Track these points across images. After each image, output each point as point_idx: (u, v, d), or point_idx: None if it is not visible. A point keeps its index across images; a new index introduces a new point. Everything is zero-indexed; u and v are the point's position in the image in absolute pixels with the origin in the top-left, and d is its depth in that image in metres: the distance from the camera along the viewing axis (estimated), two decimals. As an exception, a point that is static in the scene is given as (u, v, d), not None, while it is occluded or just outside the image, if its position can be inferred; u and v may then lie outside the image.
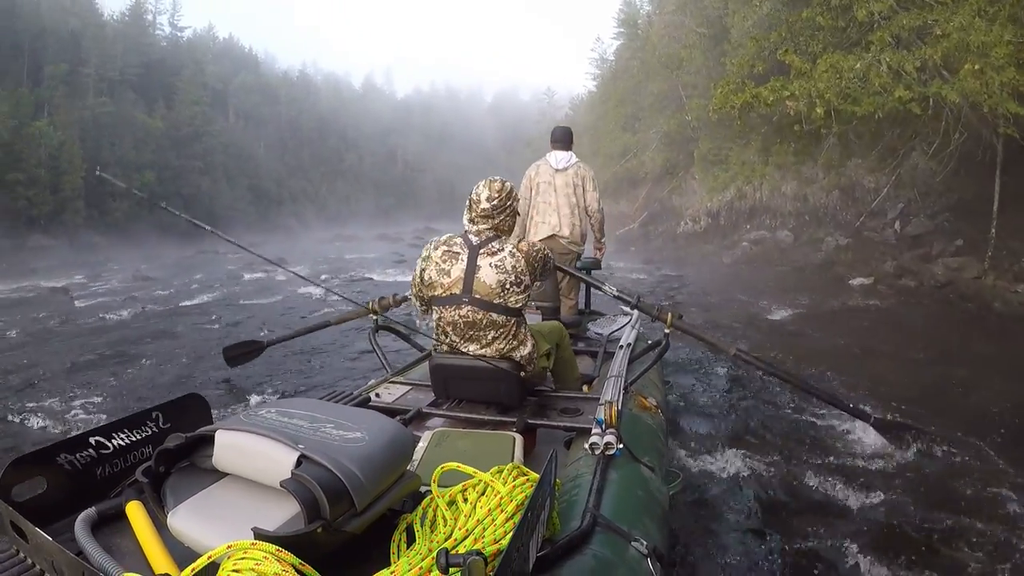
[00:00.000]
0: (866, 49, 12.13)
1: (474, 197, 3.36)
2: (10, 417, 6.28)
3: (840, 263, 15.31)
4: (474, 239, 3.30)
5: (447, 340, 3.39)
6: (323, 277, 20.21)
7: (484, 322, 3.25)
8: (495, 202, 3.29)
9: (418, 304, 3.58)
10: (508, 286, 3.21)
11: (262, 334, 8.95)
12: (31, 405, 6.61)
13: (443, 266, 3.28)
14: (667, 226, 27.35)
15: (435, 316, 3.43)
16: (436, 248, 3.36)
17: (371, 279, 19.45)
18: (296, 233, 58.27)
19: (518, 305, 3.30)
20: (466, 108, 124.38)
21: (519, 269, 3.23)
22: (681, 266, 19.97)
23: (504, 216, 3.33)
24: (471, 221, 3.35)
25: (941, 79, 11.10)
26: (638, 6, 40.66)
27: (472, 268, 3.22)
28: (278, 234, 55.47)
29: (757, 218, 21.43)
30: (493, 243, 3.27)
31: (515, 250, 3.28)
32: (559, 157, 6.08)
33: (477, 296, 3.22)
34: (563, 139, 6.16)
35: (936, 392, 6.59)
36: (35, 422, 6.15)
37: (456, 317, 3.27)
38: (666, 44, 28.68)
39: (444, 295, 3.29)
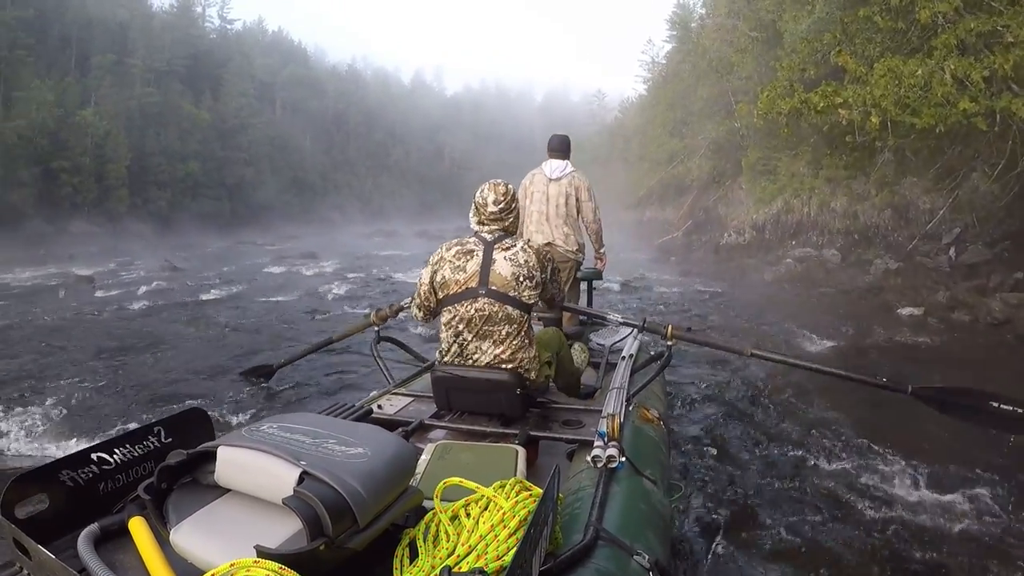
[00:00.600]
0: (928, 55, 11.23)
1: (480, 201, 3.54)
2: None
3: (889, 289, 14.42)
4: (488, 236, 3.47)
5: (458, 340, 3.47)
6: (350, 275, 20.77)
7: (500, 315, 3.37)
8: (502, 205, 3.50)
9: (419, 313, 3.68)
10: (522, 279, 3.35)
11: (268, 353, 8.91)
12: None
13: (458, 263, 3.43)
14: (710, 236, 26.34)
15: (445, 318, 3.53)
16: (449, 249, 3.51)
17: (394, 278, 19.97)
18: (338, 226, 59.73)
19: (531, 301, 3.43)
20: (516, 107, 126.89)
21: (531, 264, 3.38)
22: (719, 281, 19.15)
23: (512, 218, 3.53)
24: (480, 223, 3.52)
25: (1011, 92, 10.37)
26: (691, 8, 40.64)
27: (488, 261, 3.38)
28: (319, 227, 57.14)
29: (804, 234, 20.62)
30: (506, 240, 3.45)
31: (527, 246, 3.45)
32: (554, 166, 6.12)
33: (494, 288, 3.35)
34: (560, 148, 6.22)
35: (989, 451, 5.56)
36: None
37: (472, 311, 3.39)
38: (717, 48, 28.44)
39: (459, 291, 3.42)
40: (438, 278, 3.51)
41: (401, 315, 5.18)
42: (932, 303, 12.68)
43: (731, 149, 27.47)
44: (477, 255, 3.46)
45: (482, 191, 3.63)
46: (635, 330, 4.70)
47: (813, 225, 20.41)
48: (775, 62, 19.16)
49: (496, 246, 3.47)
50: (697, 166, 30.90)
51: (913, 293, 13.60)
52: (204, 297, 15.62)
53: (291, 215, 62.63)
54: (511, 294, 3.38)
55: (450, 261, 3.50)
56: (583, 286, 6.69)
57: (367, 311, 4.76)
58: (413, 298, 3.74)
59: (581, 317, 6.23)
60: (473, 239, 3.55)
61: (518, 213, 3.63)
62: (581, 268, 6.33)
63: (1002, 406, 3.35)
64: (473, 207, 3.63)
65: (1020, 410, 3.27)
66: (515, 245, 3.48)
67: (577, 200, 6.11)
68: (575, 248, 6.19)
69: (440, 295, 3.54)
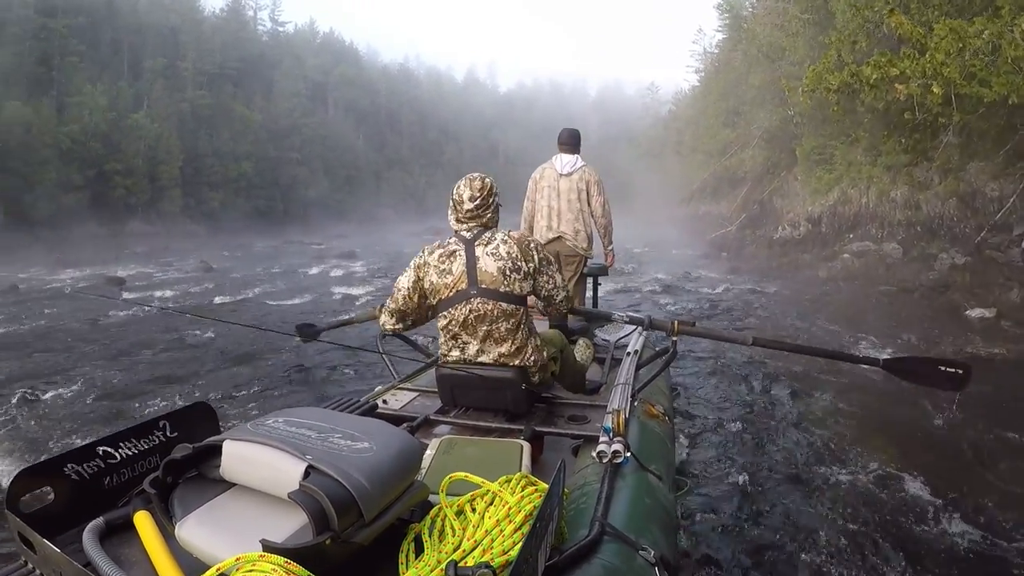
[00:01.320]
0: (995, 15, 10.33)
1: (456, 198, 3.57)
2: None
3: (956, 287, 13.44)
4: (467, 234, 3.51)
5: (457, 344, 3.55)
6: (380, 276, 21.71)
7: (495, 312, 3.43)
8: (478, 201, 3.52)
9: (389, 320, 3.74)
10: (508, 272, 3.40)
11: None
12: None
13: (443, 267, 3.48)
14: (764, 230, 25.92)
15: (441, 323, 3.58)
16: (431, 253, 3.54)
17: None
18: (391, 224, 61.03)
19: (524, 293, 3.49)
20: (569, 103, 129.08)
21: (514, 255, 3.43)
22: (771, 279, 18.59)
23: (489, 213, 3.56)
24: (458, 221, 3.56)
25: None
26: (742, -8, 41.84)
27: (472, 260, 3.43)
28: (371, 225, 58.46)
29: (862, 227, 19.88)
30: (485, 234, 3.49)
31: (507, 237, 3.49)
32: (565, 161, 6.33)
33: (484, 286, 3.41)
34: (570, 142, 6.41)
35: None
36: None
37: (467, 313, 3.44)
38: (768, 33, 28.02)
39: (451, 294, 3.47)
40: (425, 284, 3.56)
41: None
42: (1005, 303, 11.96)
43: (785, 138, 27.11)
44: (460, 255, 3.49)
45: (458, 187, 3.65)
46: (646, 329, 4.78)
47: (872, 217, 19.77)
48: (825, 37, 18.40)
49: (476, 243, 3.50)
50: (750, 157, 30.82)
51: (983, 292, 12.86)
52: (218, 300, 16.13)
53: (344, 214, 64.84)
54: (502, 289, 3.42)
55: (435, 266, 3.53)
56: (589, 281, 6.81)
57: (375, 307, 4.92)
58: (385, 304, 3.80)
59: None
60: (453, 239, 3.58)
61: (496, 207, 3.64)
62: (587, 264, 6.48)
63: (947, 369, 3.77)
64: (450, 204, 3.62)
65: (960, 371, 3.71)
66: (495, 238, 3.52)
67: (588, 194, 6.26)
68: (585, 244, 6.34)
69: (432, 301, 3.59)
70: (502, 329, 3.49)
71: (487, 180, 3.65)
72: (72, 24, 49.63)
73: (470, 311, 3.46)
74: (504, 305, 3.45)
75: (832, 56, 13.44)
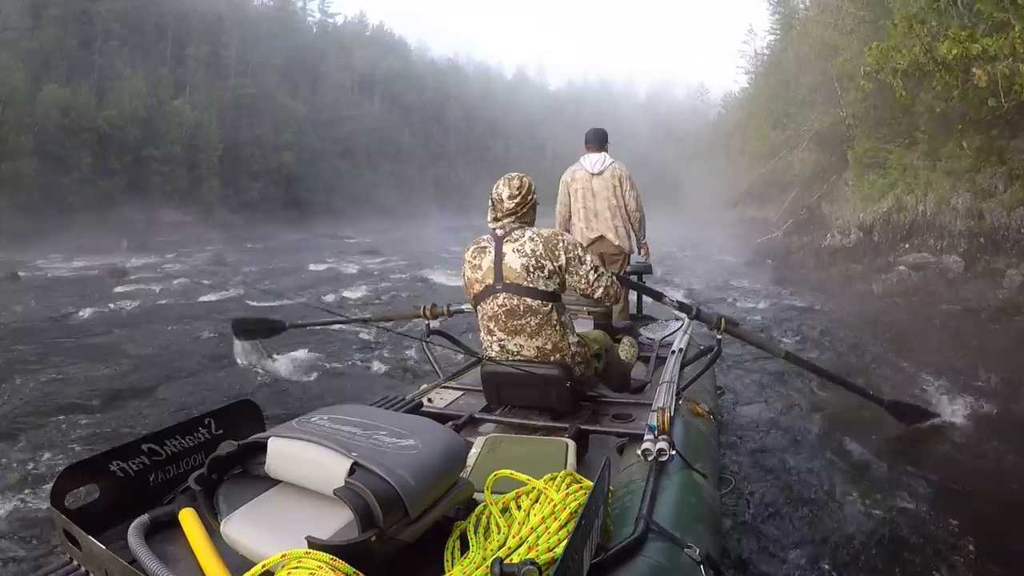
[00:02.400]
0: None
1: (495, 196, 3.76)
2: None
3: None
4: (499, 232, 3.70)
5: (494, 339, 3.73)
6: (395, 274, 21.71)
7: (521, 308, 3.60)
8: (516, 200, 3.73)
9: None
10: (532, 269, 3.56)
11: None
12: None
13: (475, 262, 3.76)
14: (812, 237, 24.69)
15: (478, 316, 3.80)
16: (468, 249, 3.84)
17: (433, 280, 20.26)
18: (433, 220, 61.32)
19: (550, 289, 3.61)
20: (619, 102, 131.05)
21: (539, 253, 3.57)
22: (819, 292, 16.91)
23: (526, 209, 3.75)
24: (495, 219, 3.74)
25: None
26: (794, -10, 40.30)
27: (499, 256, 3.63)
28: (412, 221, 58.76)
29: (918, 236, 18.29)
30: (515, 232, 3.66)
31: (534, 235, 3.64)
32: (593, 160, 6.56)
33: (508, 281, 3.59)
34: (596, 140, 6.65)
35: None
36: None
37: (495, 308, 3.65)
38: (821, 31, 27.81)
39: (481, 289, 3.69)
40: (464, 279, 3.83)
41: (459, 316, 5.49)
42: (1089, 330, 10.50)
43: (836, 141, 26.22)
44: (489, 251, 3.72)
45: (497, 186, 3.83)
46: (684, 323, 5.03)
47: (929, 226, 18.23)
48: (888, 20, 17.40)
49: (506, 239, 3.69)
50: (799, 160, 30.64)
51: (1062, 315, 11.32)
52: (205, 297, 15.65)
53: (387, 208, 65.85)
54: (526, 284, 3.58)
55: (469, 261, 3.81)
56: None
57: (421, 307, 5.14)
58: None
59: (631, 311, 6.63)
60: (487, 236, 3.80)
61: (534, 205, 3.82)
62: (630, 262, 6.71)
63: (929, 411, 4.95)
64: (489, 203, 3.81)
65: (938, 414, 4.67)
66: (524, 235, 3.67)
67: (621, 189, 6.48)
68: (626, 240, 6.56)
69: (468, 295, 3.83)
70: (532, 324, 3.63)
71: (525, 179, 3.84)
72: (114, 8, 51.62)
73: (498, 306, 3.65)
74: (529, 300, 3.60)
75: (900, 30, 12.90)
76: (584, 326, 4.10)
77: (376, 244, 33.52)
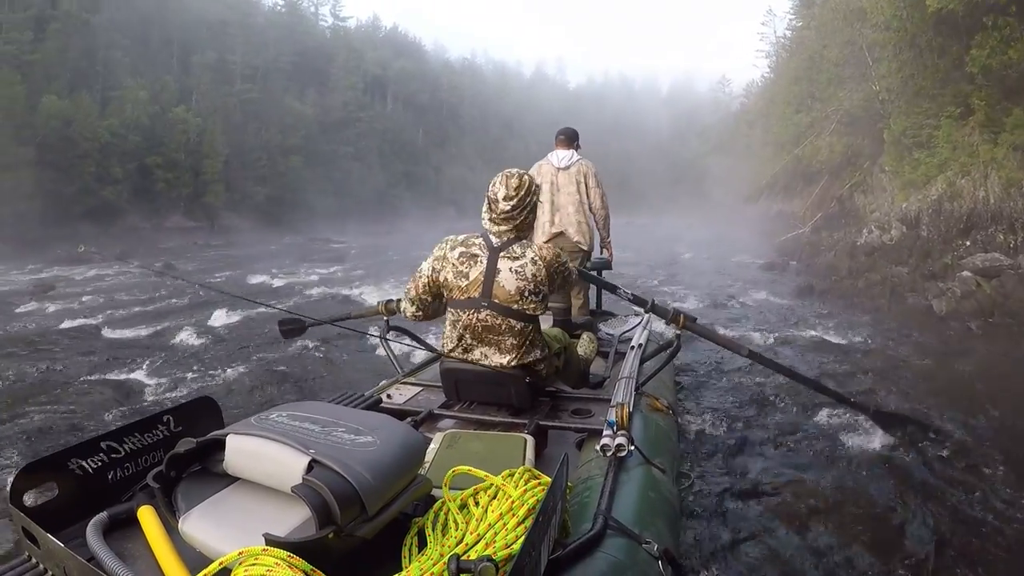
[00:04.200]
0: None
1: (491, 195, 3.81)
2: None
3: None
4: (495, 240, 3.75)
5: (462, 343, 3.82)
6: (372, 280, 22.06)
7: (503, 327, 3.68)
8: (514, 201, 3.78)
9: (411, 308, 4.05)
10: (527, 294, 3.64)
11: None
12: None
13: (461, 268, 3.75)
14: (844, 233, 22.94)
15: (449, 317, 3.85)
16: (452, 249, 3.82)
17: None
18: (450, 220, 63.30)
19: (536, 313, 3.72)
20: (640, 98, 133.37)
21: (539, 279, 3.67)
22: (856, 310, 14.18)
23: (525, 214, 3.79)
24: (491, 221, 3.79)
25: None
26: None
27: (492, 271, 3.68)
28: (429, 222, 59.58)
29: (981, 229, 15.57)
30: (514, 247, 3.72)
31: (537, 258, 3.70)
32: (561, 155, 6.89)
33: (496, 301, 3.66)
34: (566, 137, 6.99)
35: None
36: None
37: (474, 320, 3.71)
38: None
39: (462, 298, 3.74)
40: (441, 278, 3.85)
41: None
42: None
43: (869, 120, 26.03)
44: (480, 262, 3.75)
45: (494, 183, 3.87)
46: (644, 319, 5.44)
47: (995, 216, 15.65)
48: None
49: (502, 254, 3.74)
50: (827, 145, 29.72)
51: None
52: (152, 305, 16.25)
53: (400, 210, 68.38)
54: (515, 307, 3.68)
55: (453, 264, 3.80)
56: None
57: (376, 302, 5.44)
58: (407, 291, 4.08)
59: (590, 307, 6.95)
60: (480, 241, 3.82)
61: (534, 207, 3.89)
62: (591, 258, 6.97)
63: (924, 422, 4.97)
64: (485, 201, 3.86)
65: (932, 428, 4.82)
66: (524, 255, 3.73)
67: (586, 186, 6.79)
68: (587, 237, 6.83)
69: (445, 294, 3.88)
70: (507, 343, 3.76)
71: (525, 178, 3.88)
72: (117, 19, 54.20)
73: (478, 319, 3.74)
74: (513, 322, 3.71)
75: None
76: (544, 322, 4.21)
77: (380, 245, 34.89)
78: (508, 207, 3.78)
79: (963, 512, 5.08)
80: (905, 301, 14.41)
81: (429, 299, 4.04)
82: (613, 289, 5.28)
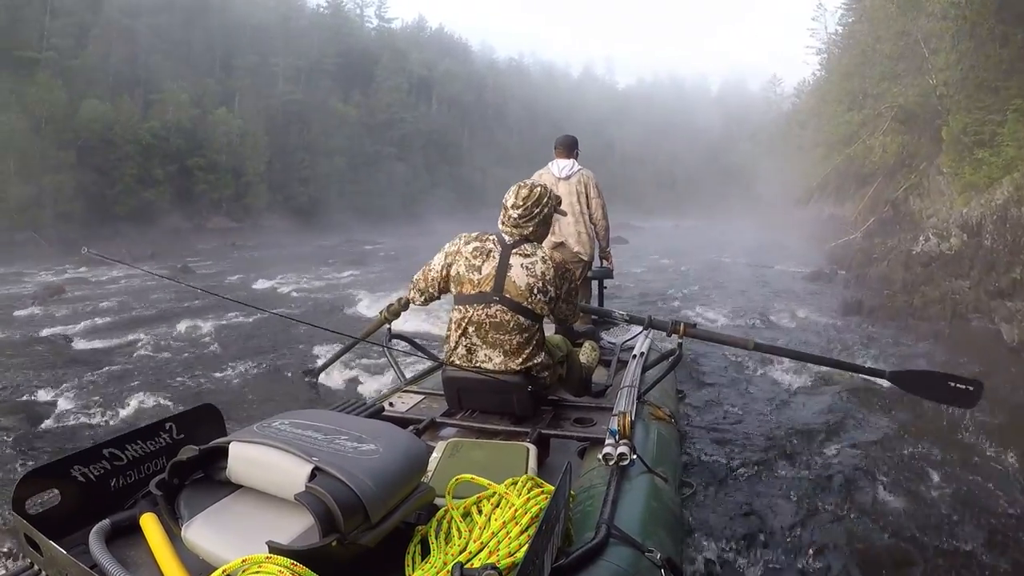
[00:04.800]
0: None
1: (504, 202, 3.99)
2: None
3: None
4: (507, 238, 3.89)
5: (464, 343, 3.92)
6: (385, 285, 21.28)
7: (511, 324, 3.78)
8: (520, 210, 3.98)
9: (417, 296, 4.23)
10: (535, 292, 3.75)
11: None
12: None
13: (474, 262, 3.90)
14: (899, 240, 21.43)
15: (455, 316, 3.94)
16: (467, 244, 3.99)
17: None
18: (493, 223, 63.13)
19: (543, 313, 3.81)
20: (691, 98, 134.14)
21: (548, 277, 3.79)
22: (911, 335, 12.76)
23: (535, 224, 3.95)
24: (503, 224, 3.96)
25: None
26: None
27: (504, 267, 3.82)
28: (472, 223, 59.71)
29: None
30: (526, 245, 3.88)
31: (547, 257, 3.85)
32: (561, 165, 6.96)
33: (508, 296, 3.77)
34: (565, 146, 7.04)
35: None
36: None
37: (483, 316, 3.82)
38: None
39: (473, 292, 3.86)
40: (452, 272, 3.97)
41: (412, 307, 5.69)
42: None
43: (925, 117, 24.74)
44: (494, 257, 3.90)
45: (509, 192, 4.08)
46: (645, 328, 5.29)
47: None
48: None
49: (515, 251, 3.91)
50: (880, 144, 28.30)
51: None
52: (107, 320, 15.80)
53: (447, 211, 68.00)
54: (524, 304, 3.78)
55: (466, 258, 3.96)
56: (594, 285, 7.49)
57: (380, 312, 5.56)
58: (415, 280, 4.24)
59: (593, 316, 6.90)
60: (493, 237, 4.00)
61: (545, 220, 4.05)
62: (592, 268, 7.08)
63: (958, 385, 4.31)
64: (502, 206, 4.07)
65: (971, 388, 4.24)
66: (535, 253, 3.90)
67: (586, 197, 6.87)
68: (587, 247, 6.94)
69: (453, 289, 3.98)
70: (514, 342, 3.85)
71: (536, 189, 4.05)
72: (158, 24, 56.12)
73: (487, 315, 3.83)
74: (521, 319, 3.81)
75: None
76: (546, 330, 4.29)
77: (412, 247, 34.79)
78: (516, 215, 3.99)
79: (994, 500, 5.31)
80: (968, 324, 12.91)
81: (435, 292, 4.22)
82: (608, 314, 5.46)
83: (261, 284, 22.70)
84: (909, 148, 26.56)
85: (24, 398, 8.96)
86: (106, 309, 16.36)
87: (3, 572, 2.43)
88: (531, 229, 4.01)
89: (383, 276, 24.91)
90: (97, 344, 12.23)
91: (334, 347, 9.02)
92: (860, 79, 32.47)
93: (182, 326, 13.52)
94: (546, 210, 4.03)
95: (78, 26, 49.59)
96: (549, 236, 6.40)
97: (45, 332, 13.39)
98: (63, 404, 8.63)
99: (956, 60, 19.27)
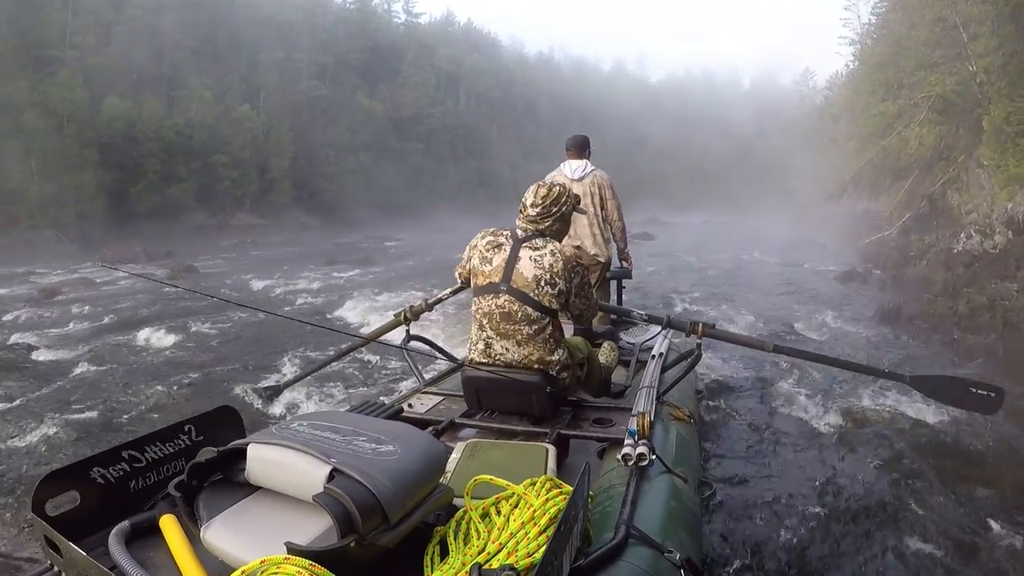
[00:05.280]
0: None
1: (523, 200, 4.12)
2: None
3: None
4: (520, 233, 4.01)
5: (483, 336, 4.03)
6: (390, 290, 21.01)
7: (519, 315, 3.89)
8: (539, 208, 4.11)
9: (457, 278, 4.46)
10: (542, 284, 3.85)
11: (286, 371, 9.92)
12: None
13: (487, 255, 4.08)
14: (937, 237, 20.61)
15: (472, 308, 4.08)
16: (483, 238, 4.17)
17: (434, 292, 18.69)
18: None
19: (552, 306, 3.90)
20: (723, 92, 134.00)
21: (555, 270, 3.86)
22: (954, 350, 11.06)
23: (551, 221, 4.06)
24: (519, 220, 4.10)
25: None
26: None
27: (513, 258, 3.95)
28: (501, 219, 59.62)
29: None
30: (537, 240, 4.00)
31: (556, 251, 3.93)
32: (574, 166, 6.96)
33: (515, 286, 3.88)
34: (577, 147, 7.05)
35: None
36: None
37: (493, 307, 3.95)
38: None
39: (484, 283, 3.99)
40: (470, 265, 4.15)
41: (436, 309, 6.03)
42: None
43: (965, 107, 23.11)
44: (504, 250, 4.05)
45: (528, 190, 4.24)
46: (664, 328, 5.38)
47: None
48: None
49: (525, 244, 4.03)
50: (916, 136, 26.32)
51: None
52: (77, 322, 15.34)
53: (473, 207, 68.26)
54: (531, 295, 3.88)
55: (480, 251, 4.13)
56: (612, 286, 7.53)
57: (400, 312, 5.61)
58: (459, 274, 4.45)
59: (612, 316, 6.93)
60: (507, 232, 4.14)
61: (563, 218, 4.17)
62: (610, 268, 7.11)
63: (979, 391, 4.39)
64: (521, 204, 4.20)
65: (992, 394, 4.31)
66: (545, 247, 4.00)
67: (601, 198, 6.87)
68: (605, 249, 6.95)
69: (471, 283, 4.15)
70: (524, 332, 3.94)
71: (555, 190, 4.19)
72: (183, 21, 56.14)
73: (496, 306, 3.96)
74: (530, 310, 3.90)
75: None
76: (565, 330, 4.35)
77: (428, 243, 35.17)
78: (534, 213, 4.14)
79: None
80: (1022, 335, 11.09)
81: (464, 284, 4.49)
82: (627, 313, 5.51)
83: (260, 284, 22.66)
84: (947, 139, 24.90)
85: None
86: (89, 314, 16.15)
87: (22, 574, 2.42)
88: (547, 224, 4.14)
89: (382, 278, 23.88)
90: (54, 355, 11.76)
91: (358, 348, 9.06)
92: (895, 69, 30.65)
93: (146, 333, 13.33)
94: (564, 209, 4.16)
95: (101, 24, 50.01)
96: (566, 239, 6.48)
97: (13, 339, 13.01)
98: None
99: (997, 45, 18.41)
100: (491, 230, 4.22)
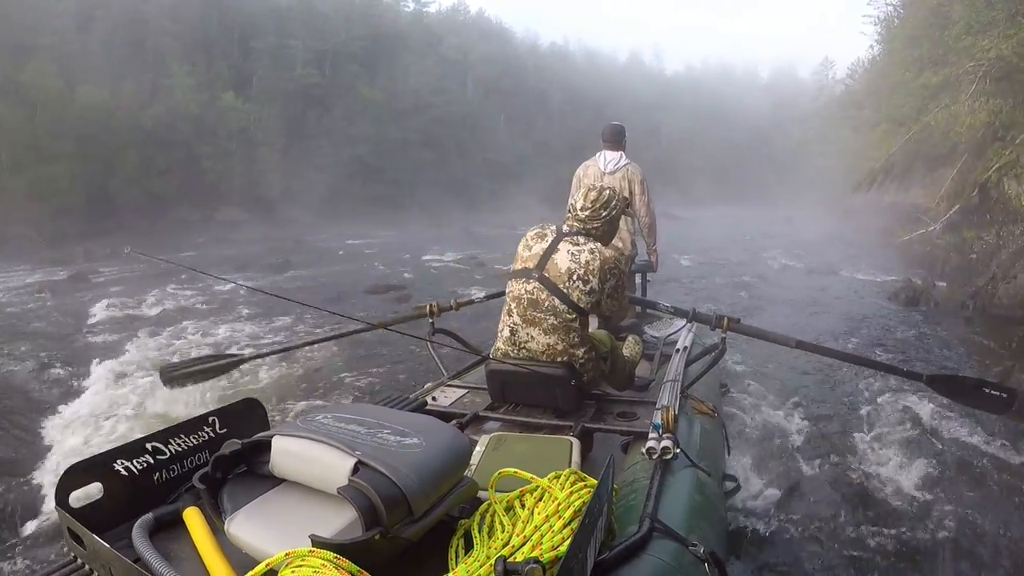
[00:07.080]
0: None
1: (571, 202, 4.39)
2: None
3: None
4: (565, 228, 4.25)
5: (510, 322, 4.20)
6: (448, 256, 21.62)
7: (546, 304, 4.07)
8: (588, 212, 4.43)
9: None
10: (574, 278, 4.03)
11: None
12: None
13: (530, 243, 4.37)
14: (995, 232, 17.87)
15: (506, 292, 4.28)
16: (532, 229, 4.46)
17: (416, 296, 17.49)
18: (533, 211, 61.68)
19: (580, 303, 4.06)
20: (740, 84, 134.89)
21: (591, 267, 4.05)
22: None
23: (599, 224, 4.32)
24: (567, 220, 4.36)
25: None
26: None
27: (552, 249, 4.23)
28: (508, 213, 58.80)
29: None
30: (580, 237, 4.19)
31: (596, 250, 4.13)
32: (608, 158, 7.22)
33: (546, 275, 4.08)
34: (613, 138, 7.29)
35: None
36: None
37: (523, 292, 4.15)
38: None
39: (519, 268, 4.20)
40: (516, 253, 4.28)
41: (463, 309, 6.21)
42: None
43: None
44: (546, 240, 4.31)
45: (577, 194, 4.56)
46: (689, 322, 5.61)
47: None
48: None
49: (567, 238, 4.29)
50: (963, 113, 20.34)
51: None
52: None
53: (479, 200, 69.40)
54: (561, 288, 4.05)
55: (526, 241, 4.39)
56: (637, 278, 7.80)
57: (427, 305, 5.73)
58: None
59: (636, 309, 7.08)
60: (554, 227, 4.42)
61: (612, 221, 4.43)
62: (635, 261, 7.33)
63: (992, 392, 4.55)
64: (569, 207, 4.51)
65: (1004, 395, 4.47)
66: (585, 244, 4.24)
67: (631, 193, 7.06)
68: (630, 243, 7.18)
69: (512, 268, 4.28)
70: (549, 322, 4.10)
71: (605, 192, 4.51)
72: (165, 6, 55.56)
73: (526, 291, 4.16)
74: (556, 302, 4.08)
75: None
76: (590, 323, 4.53)
77: (411, 243, 34.67)
78: (584, 215, 4.43)
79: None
80: None
81: None
82: (653, 305, 5.75)
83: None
84: (1002, 116, 19.69)
85: None
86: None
87: (47, 566, 2.55)
88: (595, 226, 4.43)
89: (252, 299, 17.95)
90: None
91: (376, 340, 9.13)
92: (929, 43, 25.78)
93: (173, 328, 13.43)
94: (613, 212, 4.42)
95: (81, 9, 49.67)
96: None
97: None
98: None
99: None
100: (541, 225, 4.54)
